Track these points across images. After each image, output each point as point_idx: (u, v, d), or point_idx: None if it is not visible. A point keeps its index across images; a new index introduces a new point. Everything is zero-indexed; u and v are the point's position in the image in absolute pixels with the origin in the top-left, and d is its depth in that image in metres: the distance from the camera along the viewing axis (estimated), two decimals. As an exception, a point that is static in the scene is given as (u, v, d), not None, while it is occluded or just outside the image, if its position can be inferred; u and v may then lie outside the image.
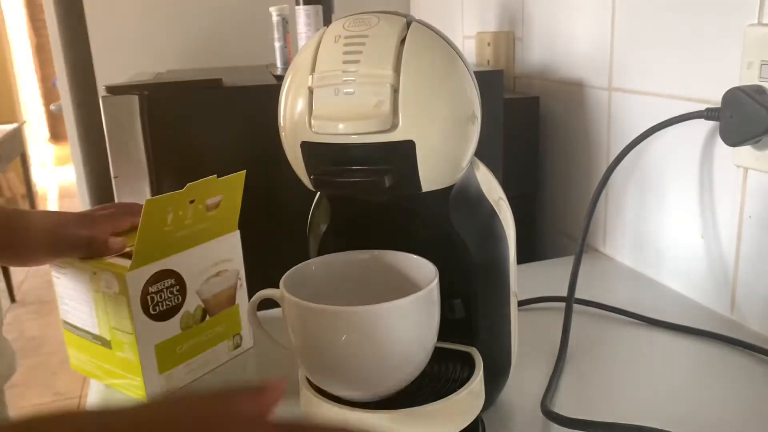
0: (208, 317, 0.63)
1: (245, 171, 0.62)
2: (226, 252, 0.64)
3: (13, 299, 2.93)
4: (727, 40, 0.65)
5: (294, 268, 0.47)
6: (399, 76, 0.41)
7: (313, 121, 0.42)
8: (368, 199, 0.48)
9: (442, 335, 0.47)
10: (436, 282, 0.44)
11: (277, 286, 0.45)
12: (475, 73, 0.45)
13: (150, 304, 0.57)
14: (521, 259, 0.99)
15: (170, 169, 0.83)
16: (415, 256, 0.47)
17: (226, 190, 0.62)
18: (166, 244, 0.58)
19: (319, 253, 0.51)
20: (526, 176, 1.02)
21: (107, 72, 1.44)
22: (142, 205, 0.54)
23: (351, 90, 0.41)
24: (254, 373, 0.64)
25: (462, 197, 0.48)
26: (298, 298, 0.42)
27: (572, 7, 0.91)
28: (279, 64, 1.10)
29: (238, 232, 0.65)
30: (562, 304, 0.75)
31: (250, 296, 0.55)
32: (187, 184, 0.57)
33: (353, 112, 0.41)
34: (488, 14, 1.19)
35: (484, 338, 0.51)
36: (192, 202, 0.58)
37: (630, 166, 0.82)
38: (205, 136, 0.83)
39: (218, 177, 0.60)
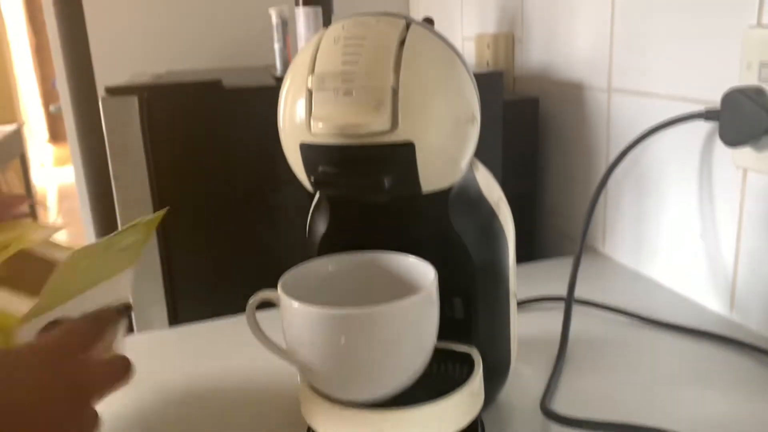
0: None
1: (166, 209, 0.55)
2: (120, 291, 0.53)
3: None
4: (727, 42, 0.65)
5: (292, 269, 0.47)
6: (398, 77, 0.41)
7: (312, 123, 0.42)
8: (368, 201, 0.48)
9: (442, 335, 0.47)
10: (435, 283, 0.44)
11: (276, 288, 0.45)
12: (475, 74, 0.45)
13: None
14: (521, 259, 0.99)
15: (170, 169, 0.83)
16: (413, 257, 0.47)
17: (141, 233, 0.52)
18: (64, 294, 0.47)
19: (318, 254, 0.51)
20: (525, 177, 1.02)
21: (107, 72, 1.45)
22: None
23: (350, 91, 0.41)
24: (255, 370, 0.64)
25: (461, 198, 0.48)
26: (296, 300, 0.42)
27: (572, 8, 0.91)
28: (278, 65, 1.10)
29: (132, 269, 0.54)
30: (562, 304, 0.76)
31: (246, 299, 0.55)
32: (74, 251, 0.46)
33: (352, 114, 0.41)
34: (487, 16, 1.19)
35: (483, 338, 0.51)
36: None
37: (629, 167, 0.82)
38: (205, 137, 0.83)
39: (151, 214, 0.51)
